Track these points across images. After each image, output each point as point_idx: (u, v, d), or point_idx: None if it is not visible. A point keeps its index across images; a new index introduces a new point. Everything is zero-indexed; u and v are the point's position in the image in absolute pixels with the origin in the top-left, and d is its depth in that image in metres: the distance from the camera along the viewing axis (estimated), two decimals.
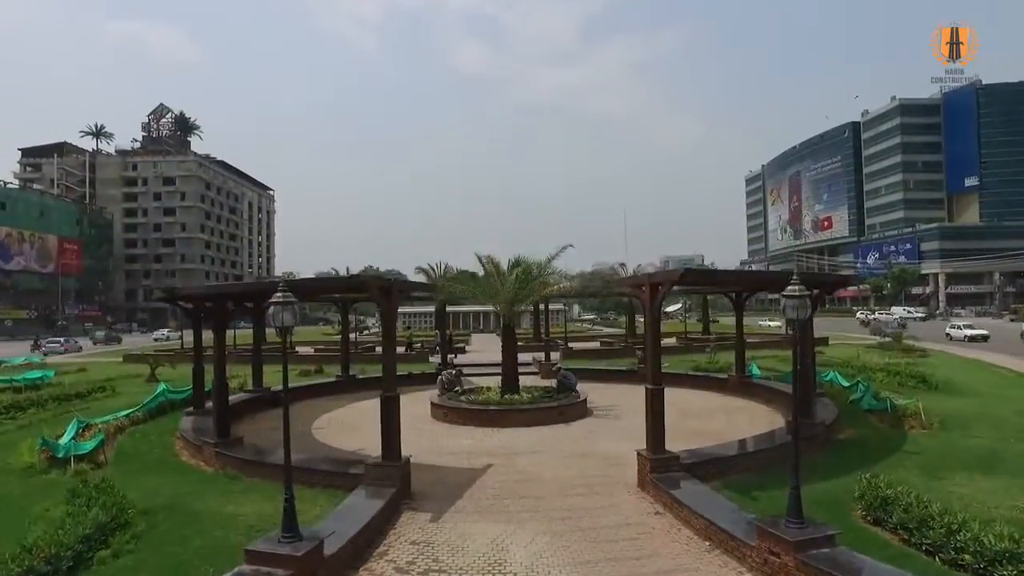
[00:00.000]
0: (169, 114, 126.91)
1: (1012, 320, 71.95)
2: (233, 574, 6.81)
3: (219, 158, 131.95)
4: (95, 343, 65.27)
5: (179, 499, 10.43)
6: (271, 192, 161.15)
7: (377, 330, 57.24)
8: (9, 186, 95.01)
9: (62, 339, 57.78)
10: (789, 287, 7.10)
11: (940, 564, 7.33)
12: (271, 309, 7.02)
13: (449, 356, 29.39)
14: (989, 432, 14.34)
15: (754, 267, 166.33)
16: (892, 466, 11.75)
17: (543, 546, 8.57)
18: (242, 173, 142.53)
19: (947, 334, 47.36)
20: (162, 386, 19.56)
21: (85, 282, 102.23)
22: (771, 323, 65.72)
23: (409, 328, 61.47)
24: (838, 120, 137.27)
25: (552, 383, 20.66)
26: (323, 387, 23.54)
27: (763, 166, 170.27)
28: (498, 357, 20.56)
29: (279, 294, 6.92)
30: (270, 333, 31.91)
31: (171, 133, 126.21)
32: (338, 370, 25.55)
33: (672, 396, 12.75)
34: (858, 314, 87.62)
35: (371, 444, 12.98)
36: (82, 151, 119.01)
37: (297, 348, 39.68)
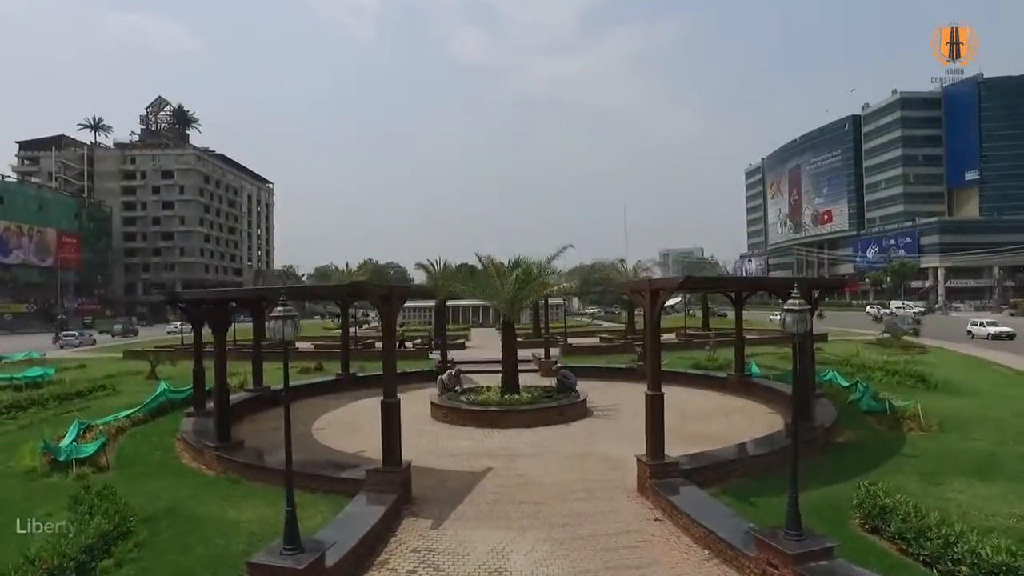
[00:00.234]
0: (167, 107, 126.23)
1: (1012, 315, 71.90)
2: None
3: (218, 151, 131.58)
4: (113, 335, 66.95)
5: (181, 504, 10.47)
6: (270, 185, 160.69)
7: (378, 323, 57.15)
8: (7, 180, 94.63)
9: (76, 332, 58.74)
10: (789, 300, 7.11)
11: None
12: (271, 323, 7.02)
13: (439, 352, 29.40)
14: (988, 435, 14.40)
15: (754, 260, 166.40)
16: (890, 471, 11.81)
17: (543, 554, 8.62)
18: (241, 166, 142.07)
19: (968, 332, 44.36)
20: (162, 386, 19.58)
21: (84, 276, 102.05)
22: (777, 318, 65.32)
23: (403, 324, 61.05)
24: (838, 114, 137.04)
25: (552, 381, 20.73)
26: (323, 386, 23.57)
27: (763, 159, 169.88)
28: (498, 353, 20.61)
29: (279, 308, 6.92)
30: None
31: (169, 126, 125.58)
32: (338, 367, 25.61)
33: (671, 396, 12.79)
34: (868, 308, 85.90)
35: (372, 446, 13.02)
36: (80, 144, 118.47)
37: (297, 344, 39.66)
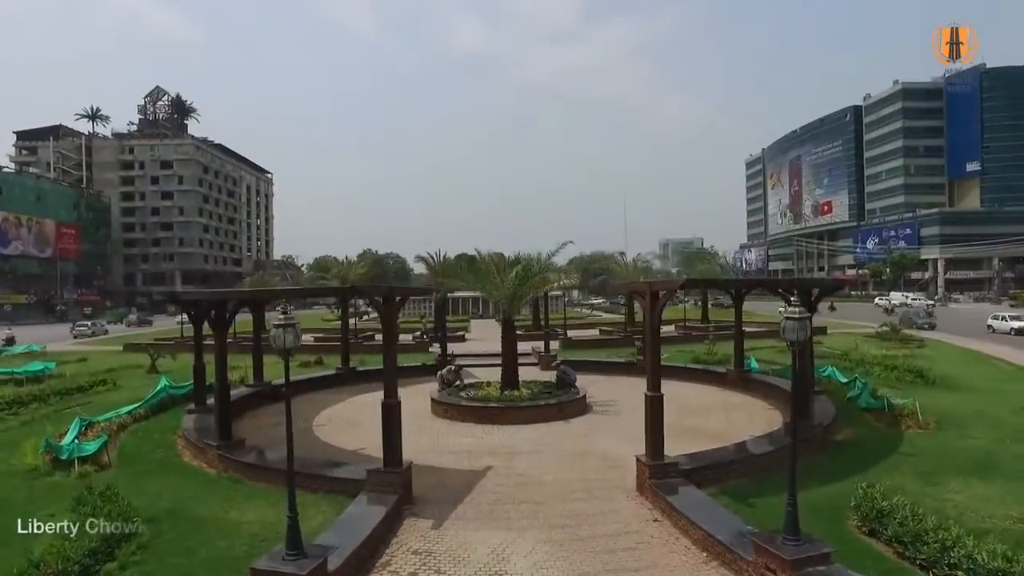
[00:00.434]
0: (165, 96, 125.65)
1: (1012, 306, 71.77)
2: None
3: (217, 141, 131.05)
4: (128, 325, 70.42)
5: (182, 504, 10.53)
6: (269, 175, 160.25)
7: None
8: (5, 170, 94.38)
9: (89, 322, 60.27)
10: (790, 308, 7.12)
11: None
12: (272, 331, 7.03)
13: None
14: (985, 433, 14.46)
15: (753, 251, 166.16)
16: (888, 469, 11.89)
17: (543, 556, 8.69)
18: (240, 156, 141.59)
19: (989, 326, 42.14)
20: (163, 381, 19.61)
21: (83, 267, 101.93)
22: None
23: (402, 316, 60.84)
24: (839, 104, 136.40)
25: (551, 376, 20.81)
26: (323, 380, 23.62)
27: (763, 150, 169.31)
28: (497, 346, 20.68)
29: (281, 317, 6.93)
30: (270, 319, 32.12)
31: (168, 116, 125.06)
32: (338, 361, 25.70)
33: (670, 390, 12.80)
34: (877, 300, 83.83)
35: (372, 442, 13.11)
36: (78, 134, 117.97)
37: (295, 318, 39.60)
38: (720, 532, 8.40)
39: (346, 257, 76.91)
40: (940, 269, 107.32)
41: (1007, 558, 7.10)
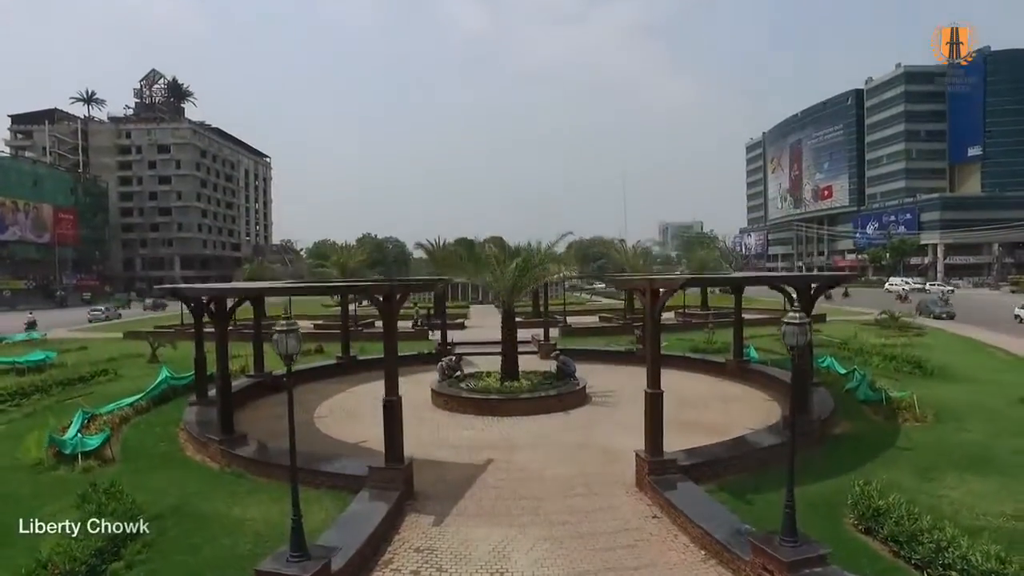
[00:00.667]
0: (161, 80, 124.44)
1: (1013, 291, 71.68)
2: None
3: (214, 125, 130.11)
4: (145, 309, 73.23)
5: (186, 501, 10.63)
6: (267, 159, 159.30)
7: None
8: (1, 155, 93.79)
9: (103, 307, 62.83)
10: (790, 314, 7.14)
11: None
12: (275, 336, 7.05)
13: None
14: (982, 426, 14.57)
15: (753, 235, 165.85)
16: (885, 464, 12.01)
17: (543, 553, 8.81)
18: (237, 140, 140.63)
19: (1016, 316, 40.21)
20: (164, 372, 19.66)
21: (82, 252, 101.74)
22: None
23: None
24: (841, 88, 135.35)
25: (551, 365, 20.89)
26: (324, 370, 23.69)
27: (764, 133, 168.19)
28: (497, 333, 20.74)
29: (283, 322, 6.95)
30: (270, 306, 32.06)
31: (164, 100, 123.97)
32: (338, 349, 25.80)
33: (669, 381, 12.80)
34: (887, 285, 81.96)
35: (373, 435, 13.22)
36: (73, 118, 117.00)
37: (297, 323, 39.74)
38: (718, 531, 8.51)
39: (345, 242, 76.67)
40: (939, 254, 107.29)
41: (1000, 559, 7.21)
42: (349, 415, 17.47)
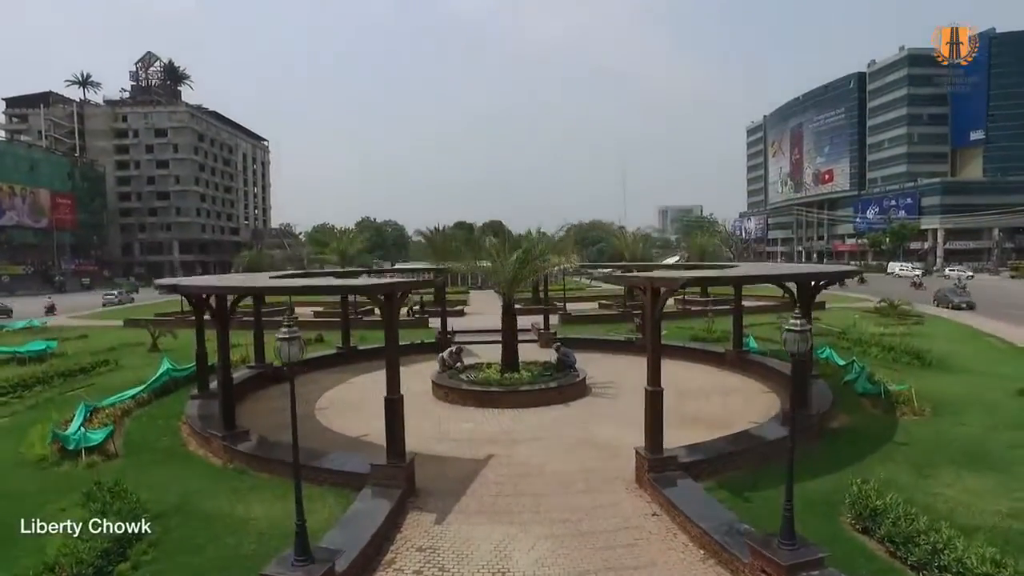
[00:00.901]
0: (158, 62, 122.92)
1: (1013, 277, 71.51)
2: None
3: (211, 108, 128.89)
4: (159, 292, 71.84)
5: (190, 498, 10.72)
6: (265, 143, 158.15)
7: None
8: None
9: (116, 292, 64.13)
10: (791, 321, 7.15)
11: None
12: (277, 343, 7.06)
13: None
14: (979, 419, 14.67)
15: (753, 219, 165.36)
16: (883, 460, 12.11)
17: (544, 552, 8.91)
18: (235, 124, 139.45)
19: None
20: (165, 363, 19.70)
21: (80, 237, 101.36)
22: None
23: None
24: (842, 71, 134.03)
25: (551, 354, 20.92)
26: (324, 360, 23.74)
27: (765, 117, 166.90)
28: (497, 321, 20.74)
29: (284, 329, 6.95)
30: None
31: (161, 83, 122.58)
32: (338, 338, 25.86)
33: (668, 372, 12.75)
34: (898, 268, 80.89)
35: (374, 429, 13.28)
36: (69, 101, 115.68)
37: (296, 312, 39.83)
38: (717, 531, 8.59)
39: (344, 227, 76.40)
40: (939, 239, 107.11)
41: (996, 562, 7.29)
42: (350, 407, 17.53)
